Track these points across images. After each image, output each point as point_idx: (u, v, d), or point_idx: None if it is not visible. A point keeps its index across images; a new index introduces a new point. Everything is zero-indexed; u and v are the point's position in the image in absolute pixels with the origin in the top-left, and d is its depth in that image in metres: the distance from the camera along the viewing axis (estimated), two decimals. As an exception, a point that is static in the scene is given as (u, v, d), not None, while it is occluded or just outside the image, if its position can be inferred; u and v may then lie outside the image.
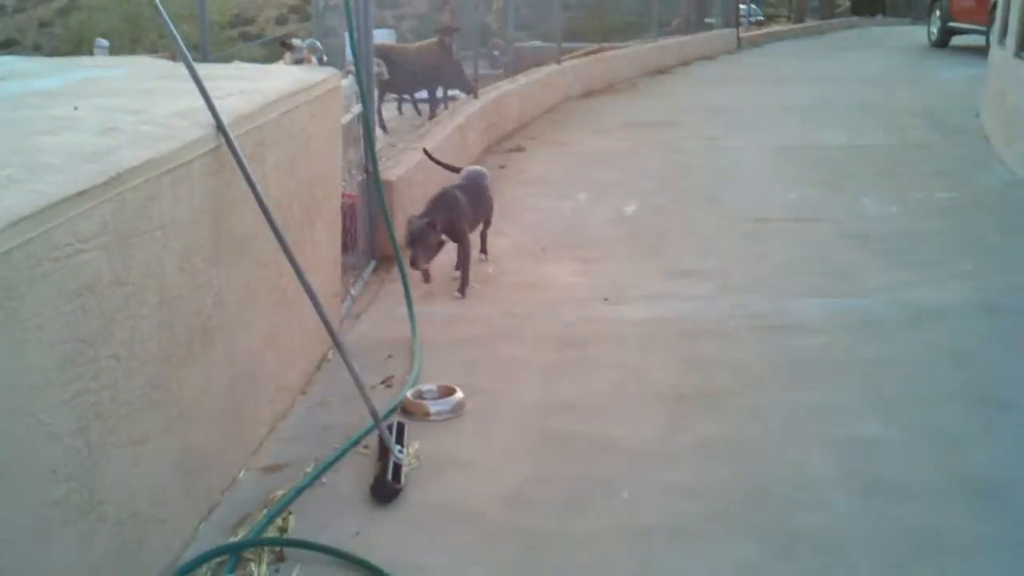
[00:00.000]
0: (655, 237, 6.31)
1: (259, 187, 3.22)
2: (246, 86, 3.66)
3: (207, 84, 3.63)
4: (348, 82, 5.54)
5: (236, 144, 3.13)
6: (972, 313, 4.75)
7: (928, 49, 18.39)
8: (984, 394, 3.88)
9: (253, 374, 3.52)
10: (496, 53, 13.87)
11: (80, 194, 2.32)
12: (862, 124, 10.07)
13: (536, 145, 9.49)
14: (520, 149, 9.24)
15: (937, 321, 4.66)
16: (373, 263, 5.82)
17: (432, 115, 10.12)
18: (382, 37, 13.67)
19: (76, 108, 3.17)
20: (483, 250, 5.82)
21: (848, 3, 34.76)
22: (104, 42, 22.11)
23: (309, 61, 4.24)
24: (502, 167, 8.43)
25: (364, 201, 5.74)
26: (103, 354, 2.46)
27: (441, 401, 3.91)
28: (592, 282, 5.48)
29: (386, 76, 9.34)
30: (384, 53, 10.22)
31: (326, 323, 3.43)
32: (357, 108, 5.63)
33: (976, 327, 4.58)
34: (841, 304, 4.92)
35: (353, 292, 5.28)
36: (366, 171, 5.68)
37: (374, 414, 3.48)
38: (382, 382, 4.22)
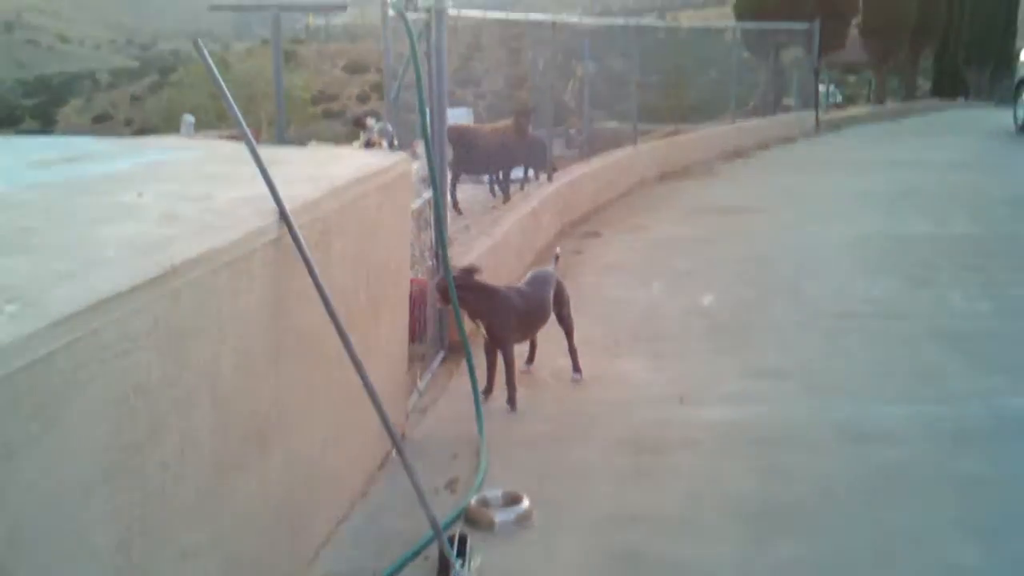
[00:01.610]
0: (733, 331, 6.08)
1: (321, 279, 3.09)
2: (313, 171, 3.56)
3: (274, 169, 3.54)
4: (419, 165, 5.48)
5: (299, 233, 3.01)
6: (1077, 426, 4.42)
7: (1014, 134, 17.95)
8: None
9: (311, 478, 3.36)
10: (572, 131, 13.83)
11: (132, 290, 2.20)
12: (947, 212, 9.74)
13: (611, 230, 9.34)
14: (595, 234, 9.09)
15: (1037, 433, 4.34)
16: (442, 353, 5.67)
17: (507, 197, 10.05)
18: (459, 116, 13.74)
19: (140, 195, 3.09)
20: (529, 359, 5.44)
21: (929, 84, 34.37)
22: (191, 118, 22.69)
23: (379, 145, 4.15)
24: (577, 253, 8.28)
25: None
26: (151, 461, 2.32)
27: (507, 510, 3.70)
28: (667, 379, 5.26)
29: (449, 158, 9.28)
30: (459, 134, 10.21)
31: (387, 426, 3.26)
32: (428, 193, 5.55)
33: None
34: (931, 411, 4.62)
35: (420, 385, 5.13)
36: (435, 257, 5.56)
37: (434, 524, 3.29)
38: (446, 485, 4.03)
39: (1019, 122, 18.37)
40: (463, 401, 4.90)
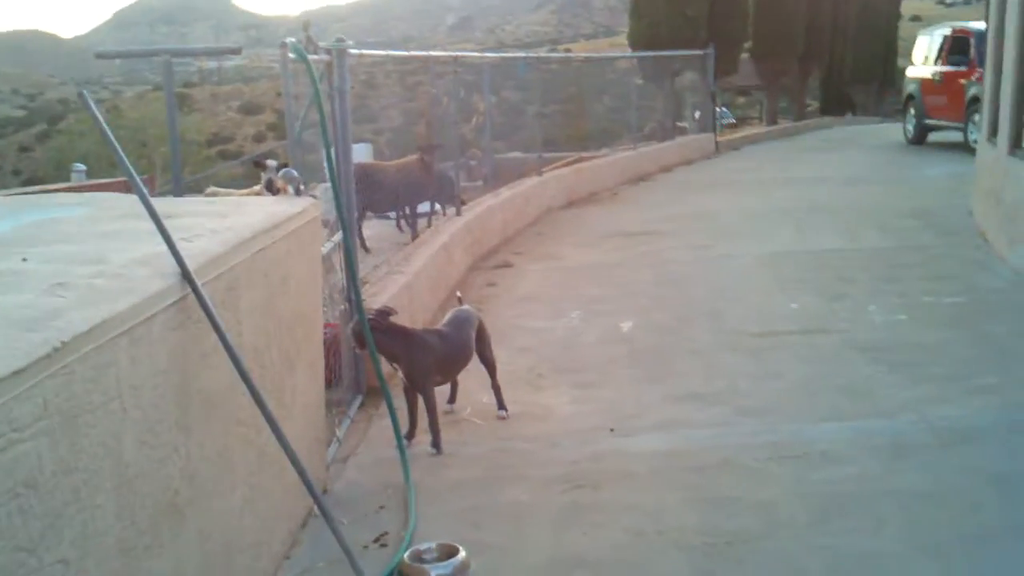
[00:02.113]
0: (655, 357, 5.98)
1: (230, 338, 2.88)
2: (216, 224, 3.34)
3: (172, 223, 3.31)
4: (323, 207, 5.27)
5: (204, 293, 2.79)
6: (1006, 432, 4.41)
7: (905, 147, 18.46)
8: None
9: (229, 547, 3.11)
10: (473, 163, 13.73)
11: (15, 373, 1.96)
12: (854, 227, 9.87)
13: (523, 260, 9.22)
14: (507, 265, 8.96)
15: (971, 443, 4.31)
16: (359, 397, 5.45)
17: (415, 234, 9.87)
18: (359, 152, 13.52)
19: (24, 259, 2.83)
20: (451, 399, 5.26)
21: (818, 104, 35.33)
22: (81, 166, 21.92)
23: (285, 191, 3.94)
24: (490, 285, 8.13)
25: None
26: (47, 561, 2.07)
27: (442, 564, 3.49)
28: (594, 410, 5.12)
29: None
30: (363, 171, 10.02)
31: (308, 484, 3.05)
32: (338, 235, 5.34)
33: (1013, 447, 4.25)
34: (866, 426, 4.57)
35: (339, 433, 4.90)
36: (348, 300, 5.35)
37: (366, 585, 3.08)
38: (376, 540, 3.82)
39: (909, 135, 18.89)
40: (385, 447, 4.70)
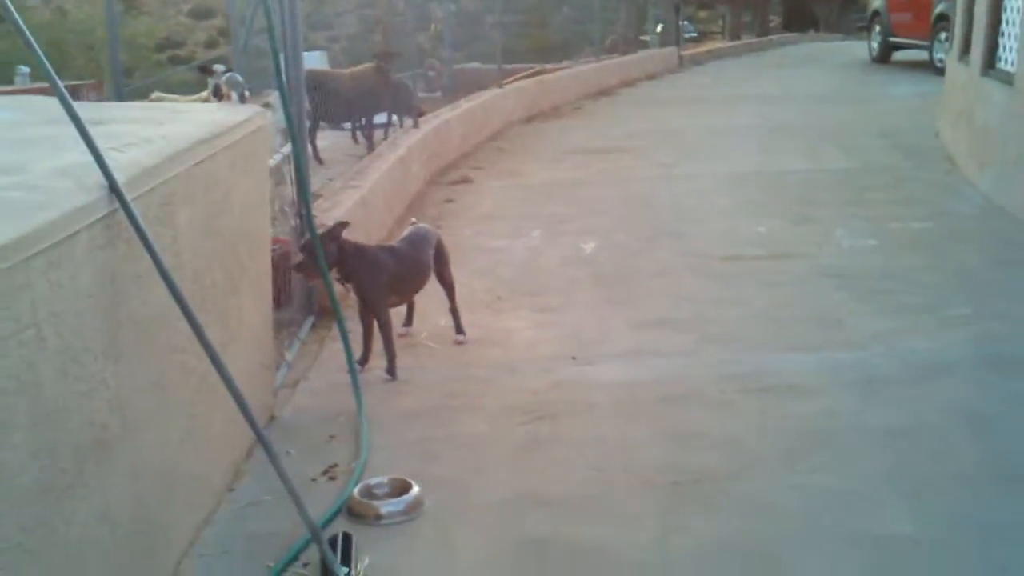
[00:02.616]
0: (619, 280, 5.78)
1: (166, 257, 2.61)
2: (151, 132, 3.04)
3: (102, 129, 3.03)
4: (274, 116, 4.96)
5: (134, 208, 2.52)
6: (981, 366, 4.28)
7: (870, 65, 18.26)
8: (1016, 469, 3.39)
9: (167, 481, 2.89)
10: (432, 74, 13.31)
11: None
12: (820, 146, 9.69)
13: (483, 176, 8.94)
14: (466, 180, 8.68)
15: (944, 377, 4.17)
16: (311, 319, 5.20)
17: (371, 146, 9.52)
18: (313, 60, 12.99)
19: (-67, 168, 2.53)
20: (407, 321, 5.03)
21: (780, 19, 34.94)
22: (25, 68, 21.07)
23: (228, 98, 3.65)
24: (448, 201, 7.87)
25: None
26: (-54, 510, 1.84)
27: (394, 501, 3.30)
28: (556, 336, 4.93)
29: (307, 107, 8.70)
30: (317, 79, 9.61)
31: (249, 418, 2.82)
32: (287, 146, 5.04)
33: (988, 384, 4.11)
34: (836, 359, 4.42)
35: (288, 356, 4.66)
36: (299, 216, 5.07)
37: (311, 527, 2.88)
38: (324, 472, 3.61)
39: (873, 53, 18.67)
40: (337, 372, 4.48)
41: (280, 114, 4.68)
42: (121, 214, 2.53)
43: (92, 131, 3.01)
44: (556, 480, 3.46)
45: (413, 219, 5.36)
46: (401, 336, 4.85)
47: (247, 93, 3.86)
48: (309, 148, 9.58)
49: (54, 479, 2.23)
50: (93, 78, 19.85)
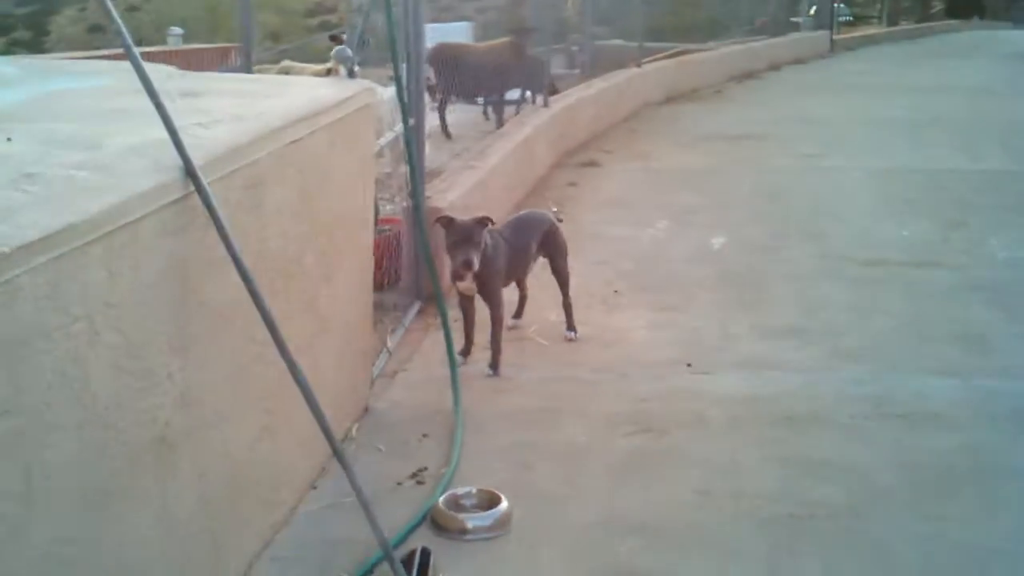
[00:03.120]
0: (747, 281, 5.41)
1: (246, 243, 2.42)
2: (244, 108, 2.87)
3: (194, 103, 2.88)
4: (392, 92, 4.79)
5: (209, 191, 2.33)
6: None
7: (1035, 57, 17.11)
8: None
9: (237, 482, 2.73)
10: (575, 49, 12.97)
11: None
12: (980, 144, 9.01)
13: (611, 159, 8.62)
14: (593, 164, 8.38)
15: (1113, 417, 3.70)
16: (418, 304, 5.02)
17: (500, 122, 9.32)
18: (458, 31, 12.84)
19: (9, 139, 2.40)
20: (517, 313, 4.76)
21: (943, 4, 33.22)
22: (178, 30, 21.63)
23: (337, 72, 3.49)
24: (572, 184, 7.59)
25: (411, 230, 4.94)
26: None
27: (481, 516, 3.08)
28: (672, 339, 4.62)
29: (432, 81, 8.52)
30: (450, 53, 9.46)
31: (325, 430, 2.62)
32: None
33: None
34: (984, 387, 3.98)
35: (390, 344, 4.49)
36: (412, 196, 4.89)
37: (383, 544, 2.68)
38: (412, 475, 3.41)
39: (1045, 43, 17.49)
40: (439, 363, 4.27)
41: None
42: (197, 198, 2.36)
43: (184, 104, 2.88)
44: (656, 502, 3.18)
45: (554, 207, 5.07)
46: (510, 328, 4.62)
47: (357, 68, 3.67)
48: (433, 123, 9.47)
49: (105, 485, 2.07)
50: (229, 42, 20.21)
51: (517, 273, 4.55)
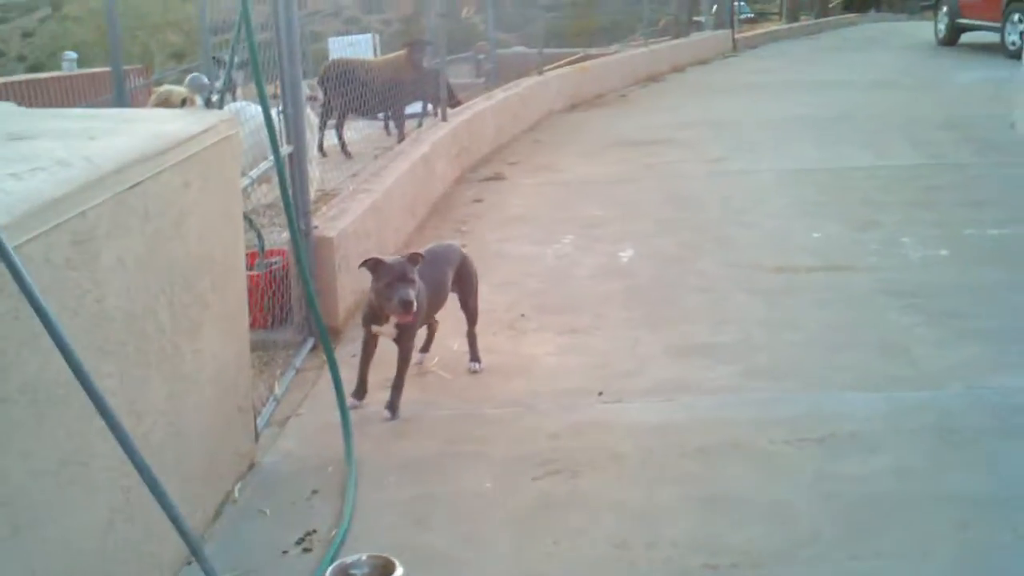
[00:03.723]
0: (657, 296, 5.19)
1: (52, 315, 2.06)
2: (76, 150, 2.52)
3: (25, 146, 2.54)
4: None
5: (14, 255, 1.99)
6: (1079, 413, 3.63)
7: (936, 48, 17.35)
8: None
9: (88, 573, 2.38)
10: (481, 57, 12.73)
11: None
12: (883, 139, 8.97)
13: (516, 172, 8.37)
14: (499, 177, 8.12)
15: (1041, 428, 3.53)
16: (311, 341, 4.68)
17: (401, 136, 9.01)
18: (361, 45, 12.43)
19: None
20: (424, 348, 4.47)
21: (840, -1, 33.79)
22: (72, 55, 20.85)
23: (192, 104, 3.17)
24: (477, 201, 7.32)
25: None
26: None
27: (372, 587, 2.77)
28: (582, 364, 4.36)
29: (321, 99, 8.19)
30: (344, 68, 9.13)
31: (182, 531, 2.29)
32: (287, 148, 4.54)
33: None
34: (906, 399, 3.80)
35: (278, 390, 4.15)
36: (297, 227, 4.56)
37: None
38: (299, 541, 3.09)
39: (940, 35, 17.74)
40: (333, 407, 3.92)
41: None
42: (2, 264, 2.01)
43: (6, 151, 2.53)
44: (566, 559, 2.90)
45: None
46: (414, 364, 4.30)
47: (214, 97, 3.34)
48: (332, 142, 9.12)
49: None
50: (142, 62, 19.56)
51: (435, 310, 4.24)
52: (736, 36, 19.31)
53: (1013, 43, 14.19)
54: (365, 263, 3.89)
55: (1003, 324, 4.48)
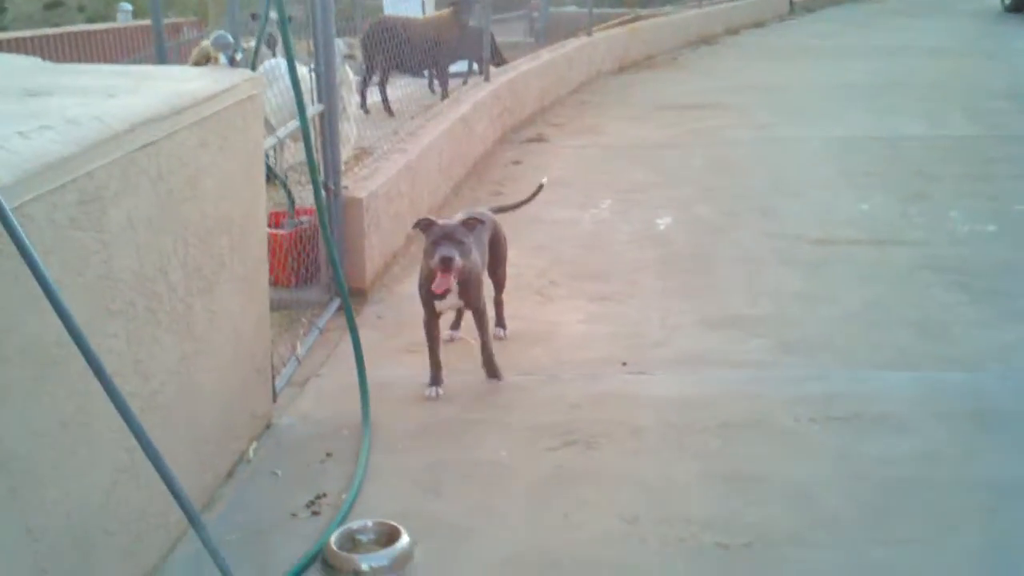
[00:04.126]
0: (693, 265, 5.09)
1: (48, 275, 2.02)
2: (89, 108, 2.48)
3: (39, 102, 2.52)
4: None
5: (11, 216, 1.96)
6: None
7: (1002, 15, 16.80)
8: None
9: (87, 536, 2.37)
10: (535, 15, 12.53)
11: None
12: (940, 108, 8.71)
13: (559, 134, 8.25)
14: (540, 139, 8.01)
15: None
16: (337, 301, 4.66)
17: (445, 95, 8.92)
18: (414, 4, 12.27)
19: None
20: (455, 325, 4.33)
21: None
22: (127, 6, 20.92)
23: (216, 61, 3.13)
24: (516, 163, 7.24)
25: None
26: None
27: (377, 555, 2.74)
28: (610, 333, 4.29)
29: (358, 59, 8.09)
30: (388, 27, 9.05)
31: (184, 506, 2.27)
32: (318, 107, 4.49)
33: None
34: (941, 380, 3.68)
35: (300, 350, 4.13)
36: (326, 187, 4.53)
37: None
38: (309, 504, 3.07)
39: (1006, 3, 17.19)
40: (354, 369, 3.88)
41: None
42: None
43: (20, 107, 2.51)
44: (576, 532, 2.85)
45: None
46: (446, 342, 4.19)
47: (238, 56, 3.30)
48: (376, 100, 9.05)
49: None
50: (197, 15, 19.57)
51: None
52: (794, -1, 18.89)
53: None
54: (418, 223, 3.74)
55: (1047, 304, 4.33)
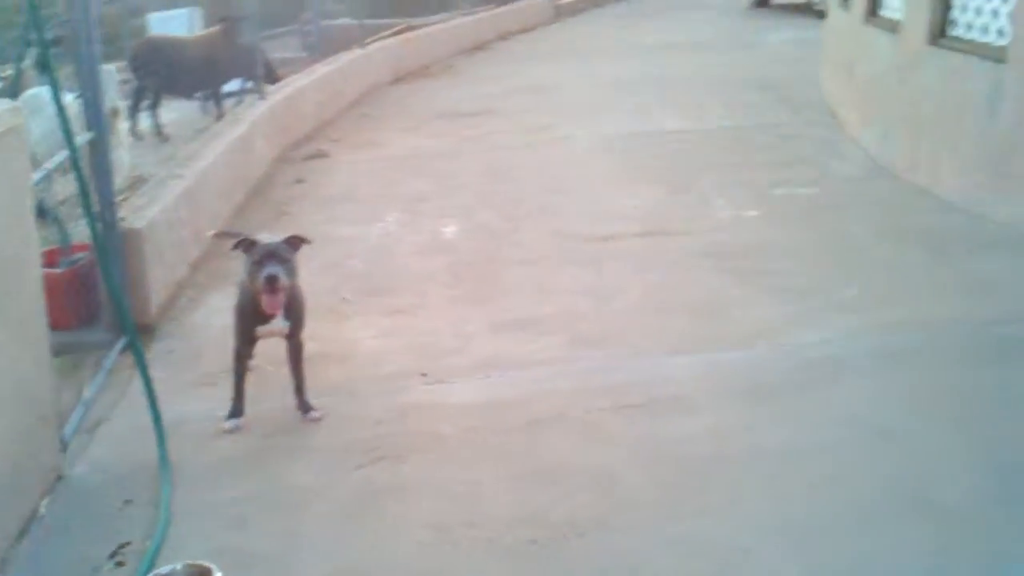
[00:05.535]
0: (480, 270, 5.20)
1: None
2: None
3: None
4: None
5: None
6: (871, 365, 3.81)
7: (746, 11, 17.95)
8: (922, 493, 2.94)
9: None
10: (308, 28, 12.39)
11: None
12: (699, 101, 9.23)
13: (340, 148, 8.23)
14: (321, 155, 7.96)
15: (837, 380, 3.71)
16: (123, 340, 4.47)
17: (220, 116, 8.71)
18: (178, 22, 11.85)
19: None
20: None
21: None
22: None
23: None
24: (299, 181, 7.16)
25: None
26: None
27: (189, 599, 2.68)
28: (405, 345, 4.33)
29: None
30: (155, 48, 8.79)
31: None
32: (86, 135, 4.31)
33: (885, 388, 3.64)
34: (720, 360, 3.93)
35: (87, 393, 3.95)
36: (102, 219, 4.35)
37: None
38: (112, 554, 2.95)
39: (750, -2, 18.38)
40: (147, 410, 3.74)
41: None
42: None
43: None
44: (387, 547, 2.89)
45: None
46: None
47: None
48: (147, 125, 8.74)
49: None
50: None
51: None
52: (558, 2, 19.46)
53: (816, 2, 14.76)
54: (239, 243, 3.55)
55: (804, 282, 4.69)
